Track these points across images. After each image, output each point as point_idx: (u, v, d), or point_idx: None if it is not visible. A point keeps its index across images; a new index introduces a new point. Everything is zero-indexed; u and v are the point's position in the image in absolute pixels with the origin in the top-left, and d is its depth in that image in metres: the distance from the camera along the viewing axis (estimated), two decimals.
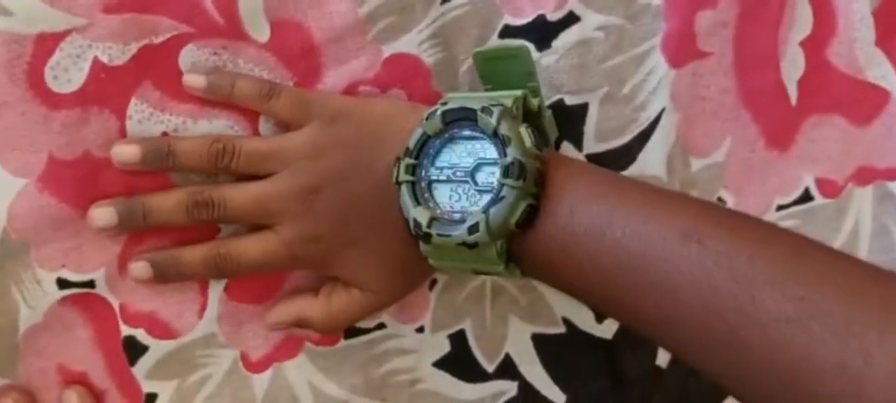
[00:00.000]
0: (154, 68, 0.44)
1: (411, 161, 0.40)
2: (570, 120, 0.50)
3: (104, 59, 0.43)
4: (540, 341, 0.53)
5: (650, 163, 0.52)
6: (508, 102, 0.40)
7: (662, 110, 0.51)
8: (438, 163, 0.40)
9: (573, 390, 0.53)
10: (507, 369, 0.53)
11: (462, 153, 0.40)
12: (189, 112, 0.45)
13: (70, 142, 0.44)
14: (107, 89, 0.44)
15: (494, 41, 0.48)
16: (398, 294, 0.45)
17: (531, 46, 0.48)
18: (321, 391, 0.50)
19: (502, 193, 0.37)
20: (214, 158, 0.43)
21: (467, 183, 0.40)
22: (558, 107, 0.49)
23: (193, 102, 0.45)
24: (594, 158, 0.51)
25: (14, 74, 0.42)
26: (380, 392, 0.50)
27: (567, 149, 0.50)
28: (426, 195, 0.40)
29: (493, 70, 0.45)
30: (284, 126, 0.45)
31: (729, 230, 0.33)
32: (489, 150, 0.39)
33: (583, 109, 0.50)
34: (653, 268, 0.33)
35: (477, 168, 0.40)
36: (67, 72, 0.43)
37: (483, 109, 0.39)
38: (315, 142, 0.42)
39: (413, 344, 0.51)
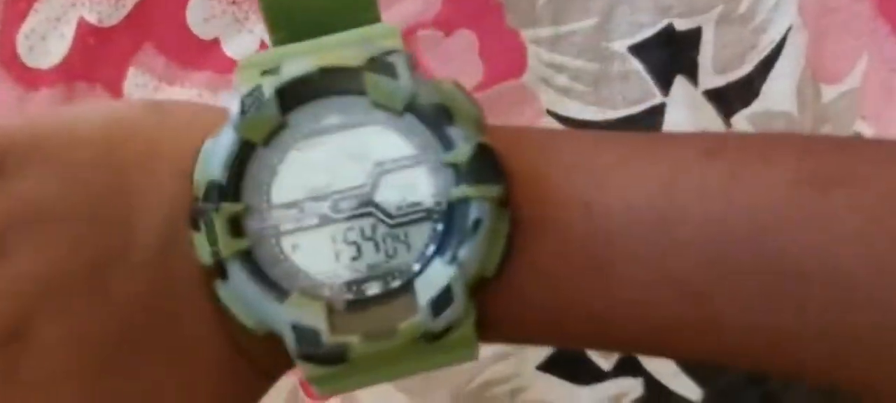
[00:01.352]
0: (156, 27, 0.39)
1: (232, 206, 0.21)
2: (682, 49, 0.44)
3: (92, 19, 0.39)
4: None
5: (777, 97, 0.45)
6: (395, 43, 0.23)
7: (788, 30, 0.45)
8: (285, 195, 0.21)
9: (709, 383, 0.48)
10: (629, 364, 0.47)
11: (329, 162, 0.22)
12: (206, 82, 0.40)
13: None
14: (97, 57, 0.39)
15: None
16: None
17: None
18: None
19: (473, 214, 0.21)
20: None
21: (364, 217, 0.22)
22: (667, 33, 0.43)
23: (212, 68, 0.40)
24: (713, 93, 0.45)
25: None
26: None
27: (682, 84, 0.44)
28: (280, 264, 0.21)
29: None
30: None
31: (874, 159, 0.22)
32: (390, 142, 0.22)
33: (696, 35, 0.44)
34: (767, 246, 0.21)
35: (377, 182, 0.22)
36: (45, 41, 0.39)
37: (372, 64, 0.21)
38: None
39: (510, 347, 0.45)
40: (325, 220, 0.21)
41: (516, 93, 0.44)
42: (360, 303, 0.21)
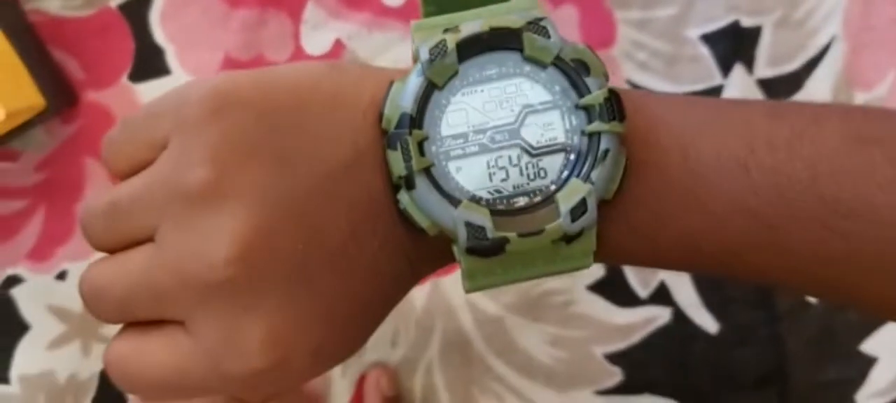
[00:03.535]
0: None
1: (420, 132, 0.24)
2: (744, 42, 0.48)
3: None
4: None
5: (816, 93, 0.50)
6: (541, 10, 0.26)
7: (833, 38, 0.50)
8: (454, 128, 0.25)
9: (727, 319, 0.52)
10: (661, 295, 0.51)
11: (488, 104, 0.25)
12: (364, 21, 0.44)
13: (246, 42, 0.43)
14: None
15: None
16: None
17: None
18: (477, 307, 0.50)
19: (603, 145, 0.24)
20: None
21: (512, 147, 0.25)
22: (734, 27, 0.48)
23: (368, 10, 0.44)
24: (764, 83, 0.49)
25: None
26: (533, 312, 0.50)
27: (739, 71, 0.49)
28: (449, 181, 0.25)
29: None
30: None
31: None
32: (534, 90, 0.25)
33: (757, 32, 0.49)
34: (829, 191, 0.24)
35: (523, 121, 0.25)
36: None
37: (530, 26, 0.24)
38: (194, 155, 0.22)
39: None
40: (483, 149, 0.24)
41: (605, 63, 0.49)
42: (511, 212, 0.24)
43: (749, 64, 0.50)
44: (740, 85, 0.50)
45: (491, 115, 0.25)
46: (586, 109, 0.24)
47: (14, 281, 0.46)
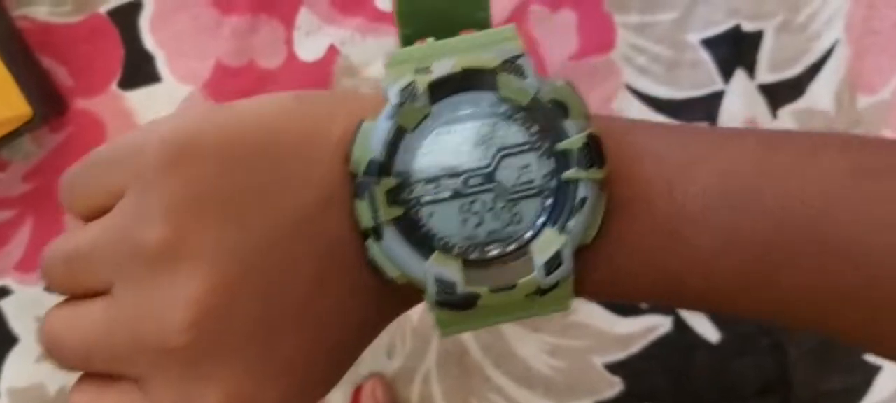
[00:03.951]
0: None
1: (389, 180, 0.24)
2: (746, 47, 0.48)
3: None
4: None
5: (819, 98, 0.50)
6: (517, 44, 0.24)
7: (836, 42, 0.49)
8: (426, 172, 0.24)
9: (728, 328, 0.52)
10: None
11: (462, 145, 0.25)
12: (357, 26, 0.44)
13: (238, 49, 0.43)
14: None
15: None
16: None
17: None
18: None
19: (580, 193, 0.24)
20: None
21: (487, 191, 0.24)
22: (735, 32, 0.48)
23: (362, 16, 0.44)
24: (766, 88, 0.49)
25: None
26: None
27: (740, 76, 0.48)
28: (420, 229, 0.24)
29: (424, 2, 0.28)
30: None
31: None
32: (510, 131, 0.24)
33: (759, 37, 0.49)
34: (818, 229, 0.24)
35: (498, 163, 0.25)
36: None
37: (505, 65, 0.24)
38: (151, 211, 0.22)
39: None
40: (456, 194, 0.24)
41: (603, 67, 0.48)
42: (484, 262, 0.23)
43: (751, 69, 0.49)
44: (742, 91, 0.50)
45: (465, 157, 0.24)
46: (564, 154, 0.23)
47: (2, 292, 0.45)
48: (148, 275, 0.21)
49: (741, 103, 0.50)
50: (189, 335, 0.21)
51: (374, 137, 0.23)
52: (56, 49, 0.44)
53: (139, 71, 0.44)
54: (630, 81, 0.49)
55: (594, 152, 0.23)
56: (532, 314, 0.24)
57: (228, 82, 0.44)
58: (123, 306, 0.21)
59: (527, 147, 0.24)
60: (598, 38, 0.48)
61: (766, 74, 0.50)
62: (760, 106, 0.50)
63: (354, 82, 0.47)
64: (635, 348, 0.51)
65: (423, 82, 0.23)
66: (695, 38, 0.49)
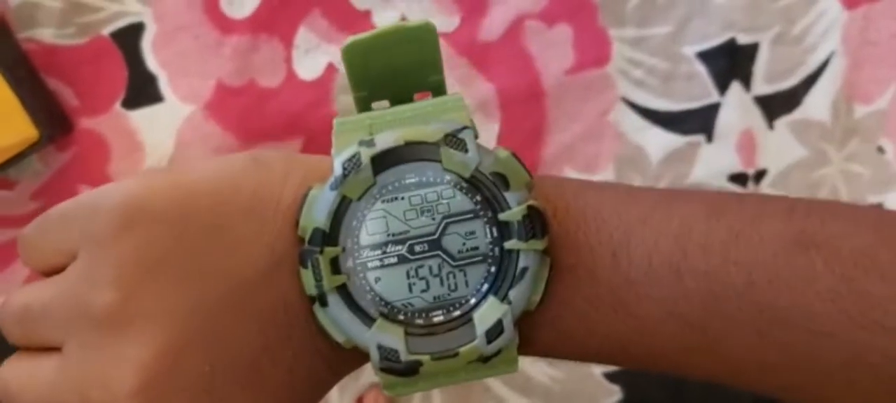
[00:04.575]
0: None
1: (333, 249, 0.24)
2: (741, 59, 0.48)
3: None
4: None
5: (815, 109, 0.50)
6: (462, 115, 0.25)
7: (831, 54, 0.50)
8: (372, 239, 0.24)
9: None
10: None
11: (408, 212, 0.25)
12: None
13: (238, 68, 0.44)
14: (278, 15, 0.44)
15: None
16: None
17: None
18: None
19: (521, 263, 0.24)
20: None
21: (433, 257, 0.25)
22: (730, 45, 0.48)
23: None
24: (761, 99, 0.50)
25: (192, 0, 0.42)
26: None
27: (736, 88, 0.49)
28: (366, 295, 0.24)
29: (376, 62, 0.27)
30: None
31: (850, 223, 0.24)
32: (456, 199, 0.25)
33: (754, 49, 0.49)
34: (762, 302, 0.23)
35: (444, 230, 0.25)
36: None
37: (447, 139, 0.24)
38: (101, 274, 0.22)
39: None
40: (402, 260, 0.24)
41: (599, 80, 0.49)
42: (428, 327, 0.24)
43: (746, 81, 0.50)
44: (738, 103, 0.50)
45: (411, 224, 0.24)
46: (507, 223, 0.24)
47: None
48: (97, 338, 0.21)
49: (737, 115, 0.50)
50: (136, 400, 0.21)
51: (318, 206, 0.23)
52: (61, 70, 0.45)
53: (142, 91, 0.44)
54: (626, 94, 0.49)
55: (535, 223, 0.24)
56: (480, 376, 0.24)
57: (229, 101, 0.44)
58: (73, 367, 0.22)
59: (472, 215, 0.24)
60: (593, 51, 0.49)
61: (761, 86, 0.50)
62: (756, 117, 0.50)
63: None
64: None
65: (367, 155, 0.23)
66: (690, 50, 0.49)
